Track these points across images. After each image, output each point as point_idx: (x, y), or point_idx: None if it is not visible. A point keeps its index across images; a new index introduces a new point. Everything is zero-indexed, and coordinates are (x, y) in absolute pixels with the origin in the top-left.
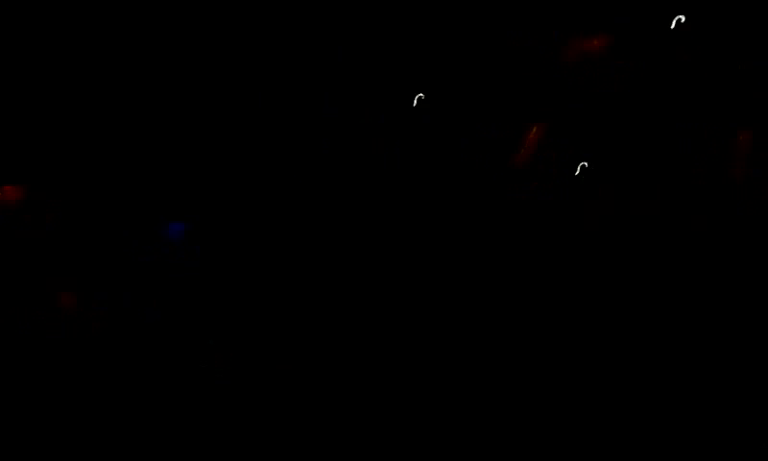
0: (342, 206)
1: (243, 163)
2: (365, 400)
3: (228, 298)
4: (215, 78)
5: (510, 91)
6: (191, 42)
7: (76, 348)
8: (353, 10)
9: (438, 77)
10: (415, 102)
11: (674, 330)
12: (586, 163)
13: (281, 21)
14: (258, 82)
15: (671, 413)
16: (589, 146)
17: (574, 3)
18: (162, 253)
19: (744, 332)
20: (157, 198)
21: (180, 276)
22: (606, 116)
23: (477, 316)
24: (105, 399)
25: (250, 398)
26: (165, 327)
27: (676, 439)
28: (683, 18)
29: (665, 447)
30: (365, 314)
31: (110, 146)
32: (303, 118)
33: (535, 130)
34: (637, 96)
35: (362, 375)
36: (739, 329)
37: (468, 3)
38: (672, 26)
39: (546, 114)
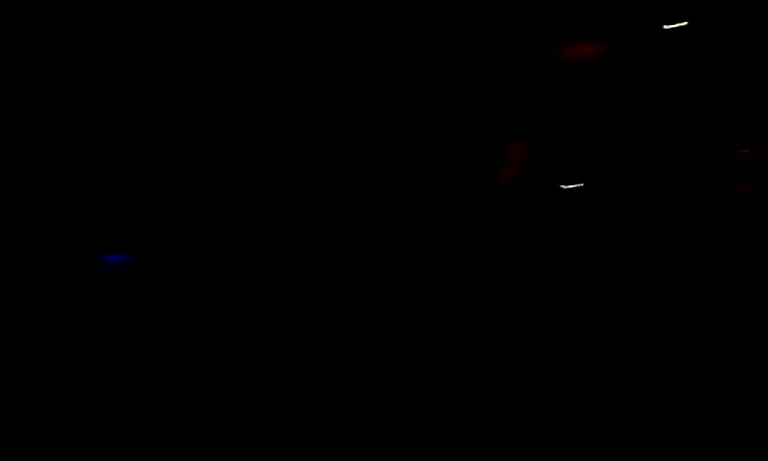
0: (341, 206)
1: (243, 163)
2: (365, 400)
3: (228, 298)
4: (215, 78)
5: (509, 91)
6: (190, 43)
7: (76, 348)
8: (353, 10)
9: (437, 77)
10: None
11: (674, 330)
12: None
13: (281, 21)
14: (258, 82)
15: (671, 413)
16: (589, 146)
17: (574, 4)
18: (162, 253)
19: (744, 332)
20: (157, 198)
21: (179, 276)
22: (605, 117)
23: (477, 316)
24: (105, 398)
25: (250, 398)
26: (165, 327)
27: (676, 439)
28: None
29: (665, 446)
30: (364, 314)
31: (111, 146)
32: (303, 118)
33: (534, 130)
34: (637, 97)
35: (362, 374)
36: (739, 329)
37: (468, 3)
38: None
39: (546, 115)
